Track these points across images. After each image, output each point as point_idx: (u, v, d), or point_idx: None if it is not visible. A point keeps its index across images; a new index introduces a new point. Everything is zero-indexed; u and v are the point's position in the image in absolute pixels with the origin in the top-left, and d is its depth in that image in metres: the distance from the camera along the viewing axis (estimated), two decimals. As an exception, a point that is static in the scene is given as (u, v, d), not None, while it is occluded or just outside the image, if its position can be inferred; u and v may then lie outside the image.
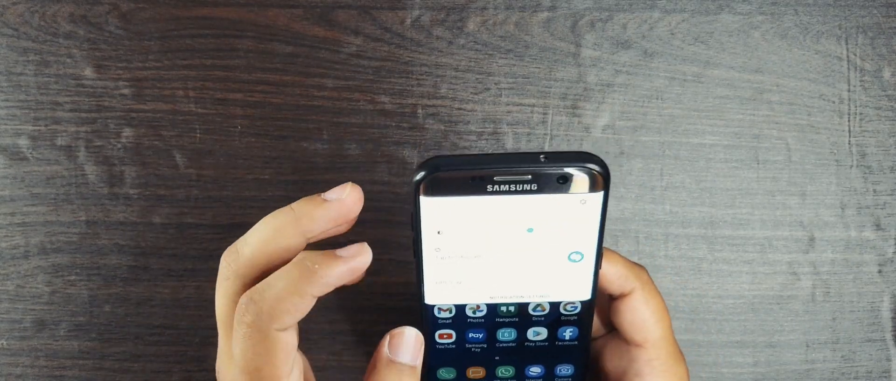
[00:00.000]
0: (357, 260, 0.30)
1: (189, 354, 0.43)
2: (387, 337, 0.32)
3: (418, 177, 0.29)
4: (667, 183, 0.43)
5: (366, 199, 0.43)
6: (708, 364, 0.43)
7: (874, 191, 0.43)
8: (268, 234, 0.30)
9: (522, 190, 0.29)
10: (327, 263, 0.29)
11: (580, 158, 0.29)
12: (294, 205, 0.31)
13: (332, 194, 0.31)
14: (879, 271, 0.43)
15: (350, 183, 0.31)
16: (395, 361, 0.32)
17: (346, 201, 0.31)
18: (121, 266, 0.43)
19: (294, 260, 0.30)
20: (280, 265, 0.30)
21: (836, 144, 0.43)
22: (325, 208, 0.30)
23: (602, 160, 0.29)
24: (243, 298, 0.30)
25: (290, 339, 0.30)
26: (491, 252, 0.31)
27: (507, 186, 0.29)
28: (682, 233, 0.43)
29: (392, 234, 0.43)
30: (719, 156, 0.43)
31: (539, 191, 0.29)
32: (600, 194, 0.29)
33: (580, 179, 0.29)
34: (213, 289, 0.43)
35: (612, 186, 0.43)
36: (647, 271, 0.34)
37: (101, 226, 0.43)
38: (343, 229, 0.32)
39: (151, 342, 0.43)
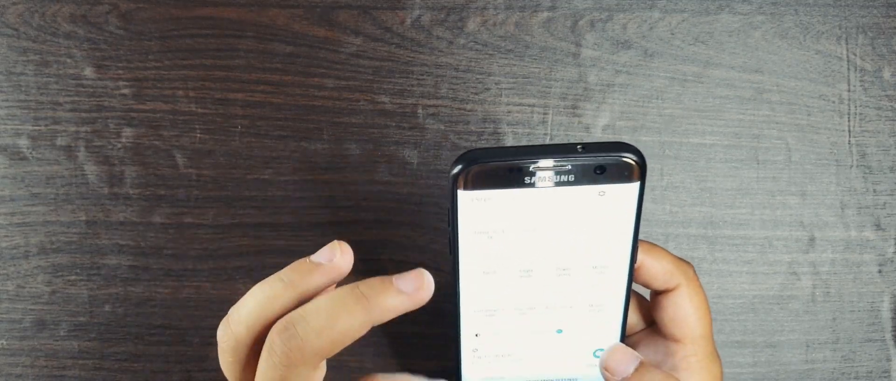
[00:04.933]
0: (418, 295, 0.28)
1: (189, 354, 0.43)
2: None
3: (456, 170, 0.28)
4: (667, 183, 0.43)
5: (366, 199, 0.43)
6: (708, 364, 0.43)
7: (874, 191, 0.43)
8: (260, 303, 0.28)
9: (560, 181, 0.29)
10: (383, 290, 0.27)
11: (618, 147, 0.29)
12: (282, 274, 0.28)
13: (323, 256, 0.28)
14: (879, 271, 0.43)
15: (338, 243, 0.29)
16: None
17: (339, 265, 0.28)
18: (121, 266, 0.43)
19: (343, 289, 0.27)
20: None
21: (836, 144, 0.43)
22: (320, 272, 0.28)
23: (639, 150, 0.29)
24: (278, 325, 0.27)
25: (320, 376, 0.29)
26: (527, 249, 0.31)
27: (545, 177, 0.29)
28: (682, 233, 0.43)
29: (392, 234, 0.43)
30: (719, 156, 0.43)
31: (577, 182, 0.29)
32: (637, 185, 0.29)
33: (618, 169, 0.29)
34: (214, 289, 0.43)
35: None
36: (693, 268, 0.34)
37: (101, 226, 0.43)
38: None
39: (151, 342, 0.43)
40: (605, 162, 0.29)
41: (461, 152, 0.29)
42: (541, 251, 0.31)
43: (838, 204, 0.43)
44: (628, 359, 0.32)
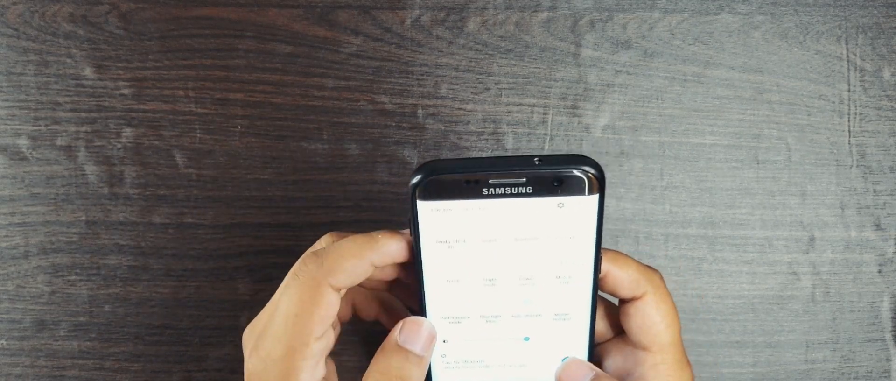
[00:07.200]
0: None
1: (189, 354, 0.43)
2: (400, 324, 0.33)
3: (414, 181, 0.29)
4: (667, 183, 0.43)
5: (366, 199, 0.43)
6: (708, 364, 0.43)
7: (874, 191, 0.43)
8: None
9: (517, 193, 0.29)
10: (388, 235, 0.32)
11: (575, 160, 0.29)
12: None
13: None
14: (879, 271, 0.43)
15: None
16: (404, 347, 0.32)
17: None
18: (121, 266, 0.43)
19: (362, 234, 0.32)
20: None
21: (836, 144, 0.43)
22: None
23: (597, 163, 0.29)
24: (306, 255, 0.32)
25: (335, 302, 0.31)
26: (489, 259, 0.31)
27: (502, 189, 0.29)
28: (682, 233, 0.43)
29: (392, 234, 0.43)
30: (719, 156, 0.43)
31: (534, 194, 0.29)
32: (596, 197, 0.29)
33: (575, 182, 0.29)
34: (213, 289, 0.43)
35: (612, 186, 0.43)
36: (660, 275, 0.34)
37: (101, 226, 0.43)
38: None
39: (151, 342, 0.43)
40: (561, 175, 0.29)
41: (422, 162, 0.29)
42: (503, 261, 0.31)
43: (838, 204, 0.43)
44: (583, 372, 0.33)
